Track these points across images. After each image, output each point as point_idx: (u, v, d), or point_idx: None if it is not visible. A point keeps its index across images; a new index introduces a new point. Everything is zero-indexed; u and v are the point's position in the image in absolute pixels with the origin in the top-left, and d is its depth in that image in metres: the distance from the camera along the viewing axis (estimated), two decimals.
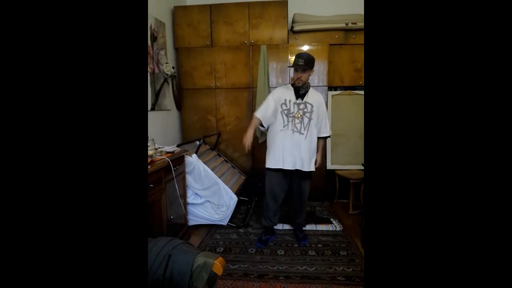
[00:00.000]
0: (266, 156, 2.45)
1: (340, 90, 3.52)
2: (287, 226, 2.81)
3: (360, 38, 3.35)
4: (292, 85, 2.37)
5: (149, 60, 2.79)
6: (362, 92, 3.46)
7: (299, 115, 2.31)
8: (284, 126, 2.33)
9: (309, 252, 2.35)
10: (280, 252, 2.36)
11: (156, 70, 2.92)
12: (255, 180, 3.44)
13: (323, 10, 3.51)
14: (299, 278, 1.99)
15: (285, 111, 2.33)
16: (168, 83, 3.19)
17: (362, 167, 2.90)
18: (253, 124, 2.35)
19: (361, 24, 3.29)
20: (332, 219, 2.95)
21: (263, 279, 1.99)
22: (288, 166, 2.34)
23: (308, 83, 2.36)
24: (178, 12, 3.38)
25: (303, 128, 2.32)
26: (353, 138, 3.52)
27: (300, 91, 2.32)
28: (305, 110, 2.32)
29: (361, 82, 3.42)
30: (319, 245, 2.46)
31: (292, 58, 3.33)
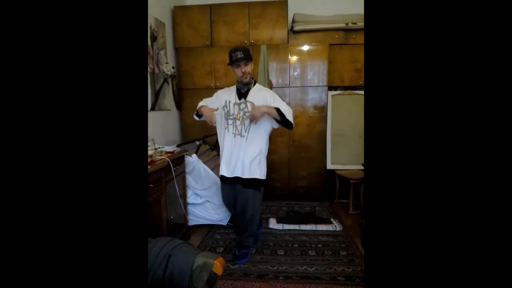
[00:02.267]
0: None
1: (340, 90, 3.52)
2: (286, 226, 2.81)
3: (360, 38, 3.34)
4: (237, 85, 2.16)
5: (149, 60, 2.79)
6: (362, 92, 3.46)
7: (239, 116, 2.11)
8: (224, 129, 2.17)
9: (309, 252, 2.35)
10: (280, 252, 2.36)
11: (156, 70, 2.92)
12: None
13: (323, 10, 3.51)
14: (299, 278, 1.99)
15: (226, 114, 2.15)
16: (168, 83, 3.18)
17: (362, 167, 2.89)
18: (201, 106, 2.18)
19: (361, 24, 3.28)
20: (332, 219, 2.95)
21: (263, 279, 1.99)
22: (229, 174, 2.18)
23: (253, 78, 2.16)
24: (178, 12, 3.38)
25: (244, 130, 2.11)
26: (353, 138, 3.52)
27: (242, 90, 2.12)
28: (245, 110, 2.10)
29: (361, 82, 3.42)
30: (319, 245, 2.46)
31: (292, 58, 3.33)
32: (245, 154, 2.12)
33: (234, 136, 2.13)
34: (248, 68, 2.05)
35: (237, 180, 2.17)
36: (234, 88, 2.20)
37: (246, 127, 2.11)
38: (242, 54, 2.00)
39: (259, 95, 2.12)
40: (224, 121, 2.17)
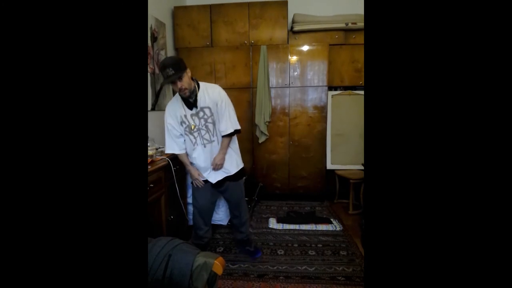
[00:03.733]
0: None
1: (340, 90, 3.52)
2: (286, 226, 2.81)
3: (360, 38, 3.35)
4: (182, 95, 1.97)
5: (150, 61, 2.79)
6: (362, 92, 3.46)
7: (201, 126, 2.00)
8: (194, 145, 2.04)
9: (309, 252, 2.35)
10: (280, 252, 2.36)
11: (157, 71, 2.92)
12: (256, 180, 3.45)
13: (323, 10, 3.51)
14: (299, 278, 1.99)
15: (187, 129, 2.01)
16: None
17: (362, 167, 2.90)
18: (184, 161, 2.13)
19: (361, 24, 3.29)
20: (332, 219, 2.95)
21: (263, 279, 1.99)
22: (214, 179, 2.12)
23: (194, 83, 1.96)
24: (178, 13, 3.38)
25: (211, 136, 2.03)
26: (353, 138, 3.52)
27: (190, 100, 1.95)
28: (205, 117, 1.99)
29: (361, 82, 3.42)
30: (319, 245, 2.46)
31: (292, 58, 3.33)
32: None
33: (205, 146, 2.04)
34: (185, 81, 1.85)
35: (226, 179, 2.16)
36: (179, 98, 2.01)
37: (212, 131, 2.03)
38: (173, 70, 1.78)
39: (210, 99, 1.99)
40: (189, 136, 2.03)
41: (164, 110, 3.04)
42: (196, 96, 1.95)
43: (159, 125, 3.01)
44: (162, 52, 3.05)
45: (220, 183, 2.15)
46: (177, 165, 2.31)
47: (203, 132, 2.01)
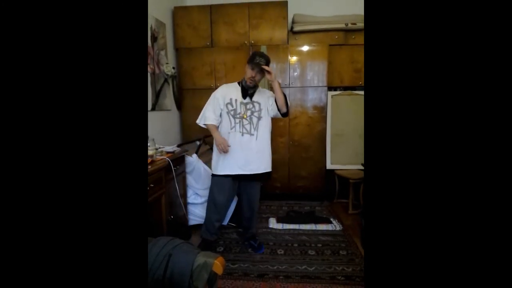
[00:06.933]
0: (214, 161, 2.29)
1: (340, 91, 3.53)
2: (286, 226, 2.82)
3: (360, 39, 3.35)
4: (240, 83, 2.22)
5: (150, 61, 2.80)
6: (362, 93, 3.46)
7: (246, 116, 2.15)
8: (232, 128, 2.17)
9: (309, 252, 2.36)
10: (280, 251, 2.37)
11: (157, 71, 2.92)
12: None
13: (323, 10, 3.52)
14: (299, 278, 2.00)
15: (232, 112, 2.16)
16: (168, 83, 3.19)
17: (362, 167, 2.90)
18: (212, 129, 2.20)
19: (361, 25, 3.29)
20: (331, 219, 2.96)
21: (263, 278, 2.00)
22: (238, 171, 2.19)
23: (257, 85, 2.23)
24: (178, 13, 3.39)
25: (253, 129, 2.17)
26: (352, 138, 3.52)
27: (249, 91, 2.18)
28: (253, 109, 2.17)
29: (361, 83, 3.42)
30: (319, 245, 2.47)
31: (292, 58, 3.33)
32: (257, 151, 2.19)
33: (242, 135, 2.16)
34: (258, 76, 2.11)
35: (245, 177, 2.23)
36: (236, 85, 2.23)
37: (255, 126, 2.18)
38: (264, 62, 2.06)
39: (263, 97, 2.21)
40: (231, 118, 2.17)
41: (164, 110, 3.08)
42: (254, 92, 2.20)
43: (159, 125, 3.02)
44: (162, 52, 3.06)
45: (239, 177, 2.23)
46: (177, 165, 2.32)
47: (245, 122, 2.16)
